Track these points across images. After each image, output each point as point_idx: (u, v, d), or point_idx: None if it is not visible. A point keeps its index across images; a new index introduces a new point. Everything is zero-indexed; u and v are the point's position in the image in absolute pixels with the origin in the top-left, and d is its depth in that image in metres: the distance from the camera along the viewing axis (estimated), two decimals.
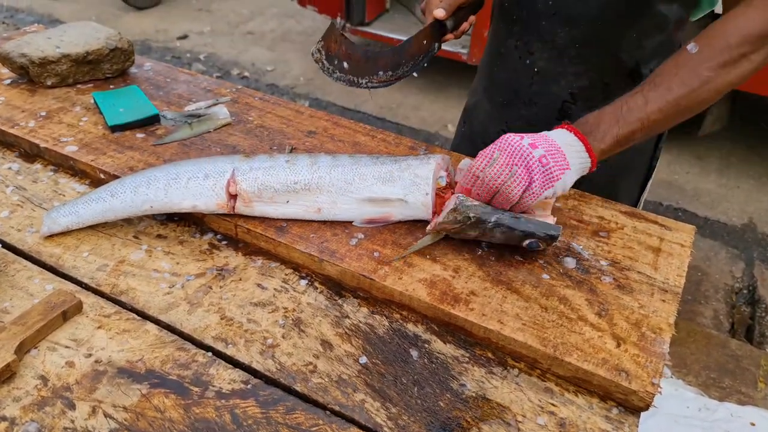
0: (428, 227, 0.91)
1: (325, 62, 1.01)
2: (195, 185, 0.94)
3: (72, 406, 0.70)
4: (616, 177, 1.19)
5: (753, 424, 1.74)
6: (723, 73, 0.84)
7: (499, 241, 0.88)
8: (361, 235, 0.93)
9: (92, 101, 1.27)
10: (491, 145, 0.84)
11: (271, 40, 4.77)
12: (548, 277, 0.87)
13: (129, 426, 0.68)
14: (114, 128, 1.17)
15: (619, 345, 0.76)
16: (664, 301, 0.84)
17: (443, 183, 0.95)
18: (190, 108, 1.27)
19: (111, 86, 1.35)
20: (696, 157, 3.40)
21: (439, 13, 1.08)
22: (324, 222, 0.96)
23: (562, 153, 0.84)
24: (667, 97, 0.85)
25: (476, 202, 0.85)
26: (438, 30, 1.12)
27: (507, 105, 1.21)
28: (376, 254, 0.89)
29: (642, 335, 0.78)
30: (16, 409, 0.69)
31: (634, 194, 1.25)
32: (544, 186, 0.82)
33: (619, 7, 1.00)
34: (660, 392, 0.70)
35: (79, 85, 1.35)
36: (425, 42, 1.11)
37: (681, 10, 1.02)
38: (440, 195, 0.93)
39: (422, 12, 1.15)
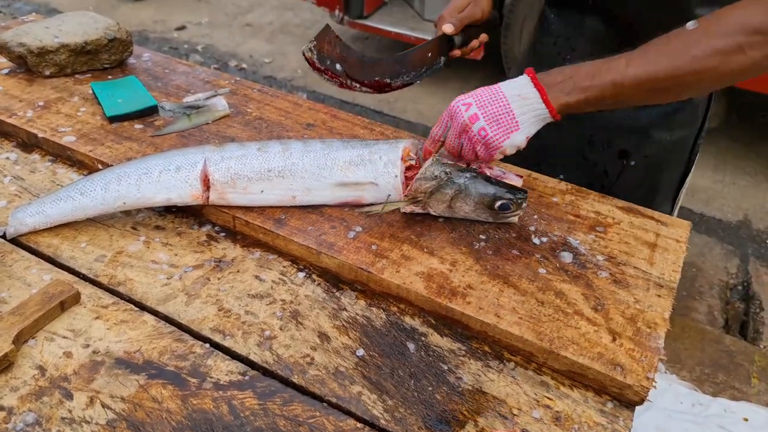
0: (404, 192, 0.95)
1: (316, 61, 1.01)
2: (167, 178, 0.94)
3: (69, 396, 0.70)
4: (655, 171, 1.18)
5: (746, 420, 1.75)
6: (713, 58, 0.78)
7: (470, 212, 0.93)
8: (359, 228, 0.93)
9: (90, 92, 1.27)
10: (445, 112, 0.91)
11: (270, 33, 4.75)
12: (545, 271, 0.87)
13: (126, 416, 0.68)
14: (112, 119, 1.17)
15: (614, 339, 0.77)
16: (659, 296, 0.84)
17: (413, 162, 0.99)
18: (189, 99, 1.27)
19: (109, 77, 1.35)
20: None
21: (448, 28, 1.07)
22: (322, 215, 0.96)
23: (509, 114, 0.87)
24: (648, 68, 0.81)
25: (451, 162, 0.92)
26: (446, 44, 1.11)
27: None
28: (373, 247, 0.90)
29: (637, 330, 0.78)
30: (13, 398, 0.70)
31: (670, 191, 1.23)
32: (488, 154, 0.90)
33: (658, 10, 1.00)
34: (655, 387, 0.71)
35: (77, 75, 1.34)
36: (430, 54, 1.10)
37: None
38: (410, 178, 0.96)
39: (434, 25, 1.14)
